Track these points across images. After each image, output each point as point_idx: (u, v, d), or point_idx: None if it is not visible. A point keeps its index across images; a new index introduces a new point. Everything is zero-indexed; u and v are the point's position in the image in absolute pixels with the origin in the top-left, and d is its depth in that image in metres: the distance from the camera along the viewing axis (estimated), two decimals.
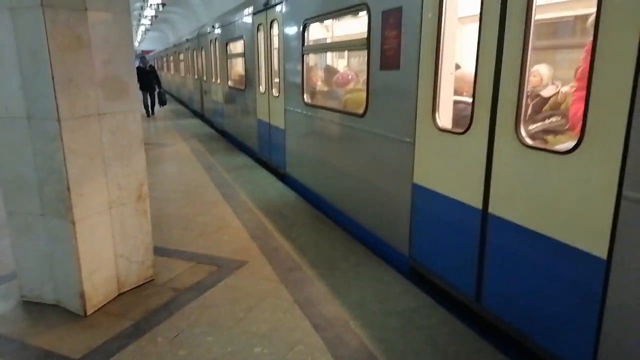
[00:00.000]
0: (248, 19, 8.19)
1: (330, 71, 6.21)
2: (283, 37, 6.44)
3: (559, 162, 2.34)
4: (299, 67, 5.86)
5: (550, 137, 2.93)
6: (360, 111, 4.37)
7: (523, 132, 2.56)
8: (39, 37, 2.80)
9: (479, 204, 2.91)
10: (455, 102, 3.43)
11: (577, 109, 2.83)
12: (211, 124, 13.42)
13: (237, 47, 9.43)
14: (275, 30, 6.84)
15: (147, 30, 39.45)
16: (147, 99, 14.93)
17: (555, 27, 4.01)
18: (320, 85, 6.19)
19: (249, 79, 8.49)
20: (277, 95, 6.90)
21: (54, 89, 2.86)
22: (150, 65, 15.85)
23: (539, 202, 2.48)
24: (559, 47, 4.09)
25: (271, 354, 2.75)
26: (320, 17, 5.28)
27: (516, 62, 2.54)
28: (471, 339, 2.85)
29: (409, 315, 3.14)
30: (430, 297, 3.37)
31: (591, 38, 2.10)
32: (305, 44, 5.73)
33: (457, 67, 3.59)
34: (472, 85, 2.90)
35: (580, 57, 2.84)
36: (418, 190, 3.55)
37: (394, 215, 3.94)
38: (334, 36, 7.06)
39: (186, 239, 4.60)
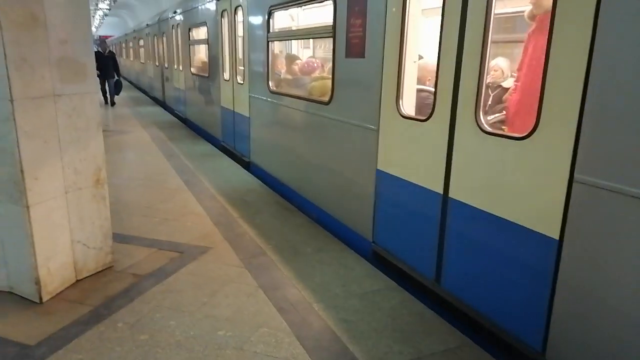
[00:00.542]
0: (211, 5, 8.04)
1: (293, 59, 6.19)
2: (248, 24, 6.36)
3: (515, 147, 2.45)
4: (264, 55, 5.82)
5: (505, 127, 3.06)
6: (326, 99, 4.40)
7: (482, 119, 2.66)
8: None
9: (439, 189, 3.01)
10: (418, 91, 3.51)
11: (515, 100, 2.96)
12: (173, 112, 13.11)
13: (200, 33, 9.24)
14: (239, 16, 6.75)
15: (105, 15, 37.92)
16: (105, 86, 14.05)
17: (514, 21, 4.15)
18: (285, 72, 6.17)
19: (213, 65, 8.35)
20: (242, 82, 6.83)
21: (7, 68, 2.74)
22: (110, 51, 14.90)
23: (496, 186, 2.59)
24: (518, 40, 4.24)
25: (235, 336, 2.76)
26: (286, 5, 5.25)
27: (476, 52, 2.63)
28: (431, 319, 2.95)
29: (370, 297, 3.22)
30: (392, 280, 3.46)
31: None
32: (271, 31, 5.69)
33: (420, 57, 3.67)
34: (434, 74, 2.98)
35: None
36: (382, 177, 3.62)
37: (358, 201, 4.00)
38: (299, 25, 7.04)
39: (147, 225, 4.51)
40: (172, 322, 2.90)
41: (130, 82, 24.50)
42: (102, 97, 14.08)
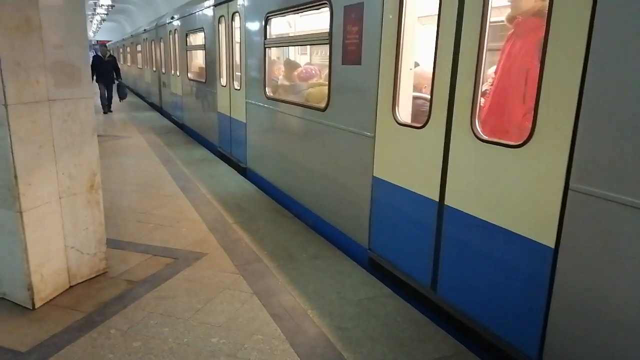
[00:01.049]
0: (209, 11, 8.05)
1: (292, 65, 6.20)
2: (245, 30, 6.38)
3: (510, 155, 2.45)
4: (261, 61, 5.83)
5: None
6: (322, 105, 4.40)
7: (478, 127, 2.66)
8: None
9: (435, 196, 3.00)
10: (415, 98, 3.52)
11: (486, 103, 2.96)
12: (170, 117, 13.10)
13: (198, 39, 9.25)
14: (237, 22, 6.77)
15: (103, 20, 37.96)
16: (104, 93, 13.28)
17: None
18: (282, 79, 6.18)
19: (210, 71, 8.36)
20: (239, 88, 6.83)
21: (1, 73, 2.73)
22: (110, 55, 14.32)
23: (492, 193, 2.59)
24: None
25: (228, 343, 2.74)
26: (283, 11, 5.27)
27: (472, 60, 2.64)
28: (425, 326, 2.94)
29: (366, 304, 3.20)
30: (388, 287, 3.45)
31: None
32: (268, 37, 5.70)
33: (417, 64, 3.68)
34: (430, 82, 2.99)
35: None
36: (378, 184, 3.62)
37: (354, 208, 3.99)
38: (297, 31, 7.06)
39: (142, 231, 4.49)
40: (166, 328, 2.88)
41: (127, 87, 24.46)
42: (102, 106, 13.39)
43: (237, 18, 6.71)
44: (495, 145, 2.55)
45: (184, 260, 3.83)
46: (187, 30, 9.82)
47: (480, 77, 2.63)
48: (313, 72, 5.68)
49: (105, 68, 12.99)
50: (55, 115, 3.10)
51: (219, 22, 7.55)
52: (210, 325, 2.92)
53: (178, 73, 11.20)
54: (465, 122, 2.71)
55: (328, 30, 4.14)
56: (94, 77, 12.44)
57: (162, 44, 13.13)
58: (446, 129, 2.87)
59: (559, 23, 2.15)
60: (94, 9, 31.23)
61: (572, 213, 2.14)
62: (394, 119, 3.34)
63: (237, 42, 6.85)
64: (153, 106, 16.41)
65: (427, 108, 3.04)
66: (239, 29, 6.70)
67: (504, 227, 2.52)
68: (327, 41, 4.16)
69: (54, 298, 3.20)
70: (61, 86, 3.12)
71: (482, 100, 2.81)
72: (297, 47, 7.56)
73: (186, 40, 10.00)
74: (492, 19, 2.63)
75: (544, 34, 2.21)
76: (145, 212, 5.05)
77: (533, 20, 2.70)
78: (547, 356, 2.33)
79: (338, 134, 4.16)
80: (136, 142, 9.43)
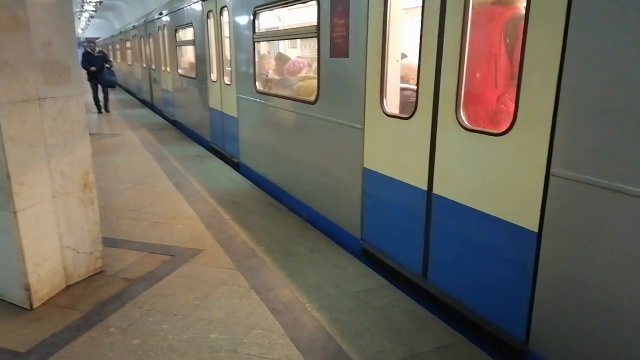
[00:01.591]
0: (197, 6, 8.01)
1: (282, 59, 6.21)
2: (233, 25, 6.36)
3: (494, 143, 2.50)
4: (251, 55, 5.83)
5: None
6: (312, 98, 4.42)
7: (463, 116, 2.70)
8: None
9: (424, 185, 3.05)
10: (402, 89, 3.55)
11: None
12: (161, 114, 13.04)
13: (187, 34, 9.20)
14: (225, 17, 6.75)
15: (91, 17, 37.54)
16: (97, 91, 12.86)
17: None
18: (272, 73, 6.19)
19: (200, 67, 8.33)
20: (229, 83, 6.83)
21: None
22: (100, 50, 13.95)
23: (477, 181, 2.64)
24: None
25: (227, 339, 2.78)
26: (271, 5, 5.26)
27: (455, 51, 2.67)
28: (423, 317, 2.99)
29: (363, 296, 3.25)
30: (382, 277, 3.50)
31: None
32: (256, 32, 5.70)
33: (404, 55, 3.71)
34: (417, 73, 3.02)
35: None
36: (368, 174, 3.66)
37: (345, 199, 4.04)
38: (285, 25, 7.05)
39: (137, 229, 4.52)
40: (165, 325, 2.92)
41: (117, 84, 24.28)
42: (95, 105, 13.04)
43: (225, 12, 6.69)
44: (480, 134, 2.60)
45: (180, 257, 3.87)
46: (176, 26, 9.77)
47: (464, 68, 2.66)
48: (301, 64, 5.69)
49: (96, 63, 12.50)
50: (45, 113, 3.10)
51: (207, 17, 7.51)
52: (209, 321, 2.96)
53: (168, 69, 11.15)
54: (450, 112, 2.76)
55: (316, 24, 4.15)
56: (88, 75, 12.27)
57: (151, 40, 13.04)
58: (432, 119, 2.91)
59: (537, 13, 2.19)
60: (82, 6, 30.87)
61: (553, 198, 2.20)
62: (382, 110, 3.37)
63: (227, 37, 6.84)
64: (144, 103, 16.33)
65: (414, 99, 3.08)
66: (227, 24, 6.68)
67: (490, 213, 2.58)
68: (315, 34, 4.18)
69: (52, 298, 3.23)
70: (51, 84, 3.12)
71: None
72: (287, 40, 7.54)
73: (175, 36, 9.95)
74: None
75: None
76: (139, 210, 5.07)
77: (492, 9, 2.81)
78: (533, 338, 2.40)
79: (328, 126, 4.19)
80: (128, 140, 9.41)
